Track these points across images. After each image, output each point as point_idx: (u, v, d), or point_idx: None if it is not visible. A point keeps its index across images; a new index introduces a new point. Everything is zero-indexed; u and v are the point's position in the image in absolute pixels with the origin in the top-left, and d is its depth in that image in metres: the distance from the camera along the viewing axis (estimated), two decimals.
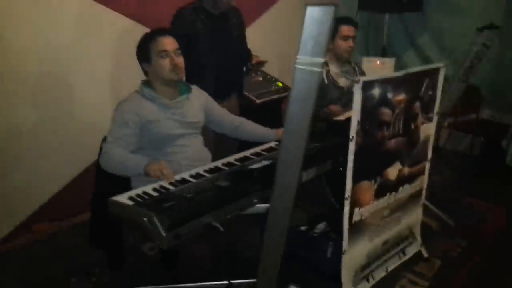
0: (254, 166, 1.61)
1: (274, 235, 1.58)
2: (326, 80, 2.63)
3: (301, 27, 1.27)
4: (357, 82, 1.54)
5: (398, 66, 3.18)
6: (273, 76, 3.36)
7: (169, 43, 1.94)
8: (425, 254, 2.29)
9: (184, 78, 2.06)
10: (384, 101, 1.70)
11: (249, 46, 2.88)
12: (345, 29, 2.58)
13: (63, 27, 2.52)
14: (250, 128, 2.21)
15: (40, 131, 2.54)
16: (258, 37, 3.65)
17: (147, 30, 2.26)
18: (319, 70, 1.30)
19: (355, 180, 1.70)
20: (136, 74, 2.08)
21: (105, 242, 2.16)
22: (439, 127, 3.47)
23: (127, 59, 2.64)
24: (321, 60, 1.29)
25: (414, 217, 2.16)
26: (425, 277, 2.19)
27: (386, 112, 1.73)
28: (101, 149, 1.99)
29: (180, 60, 1.97)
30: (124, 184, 1.88)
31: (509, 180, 3.15)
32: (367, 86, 1.59)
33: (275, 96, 3.13)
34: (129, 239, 2.17)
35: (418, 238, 2.22)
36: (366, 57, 3.30)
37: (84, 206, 2.38)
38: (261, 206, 1.58)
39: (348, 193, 1.69)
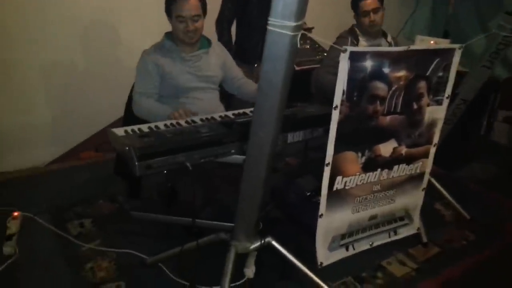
0: (239, 120, 1.73)
1: (249, 187, 1.69)
2: None
3: None
4: (344, 51, 1.56)
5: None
6: (321, 45, 3.37)
7: (187, 8, 1.98)
8: (424, 239, 2.27)
9: (197, 39, 2.11)
10: (378, 75, 1.69)
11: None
12: (363, 4, 2.48)
13: None
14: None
15: (92, 72, 2.89)
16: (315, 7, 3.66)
17: None
18: (290, 33, 1.37)
19: (338, 149, 1.74)
20: None
21: (125, 173, 2.46)
22: (493, 121, 3.27)
23: None
24: (292, 23, 1.35)
25: (413, 199, 2.12)
26: (416, 260, 2.18)
27: (380, 86, 1.72)
28: (131, 93, 2.23)
29: (194, 26, 2.02)
30: None
31: None
32: (356, 56, 1.60)
33: (316, 66, 3.15)
34: None
35: (416, 221, 2.19)
36: (420, 36, 3.15)
37: None
38: (238, 157, 1.70)
39: (328, 159, 1.74)
